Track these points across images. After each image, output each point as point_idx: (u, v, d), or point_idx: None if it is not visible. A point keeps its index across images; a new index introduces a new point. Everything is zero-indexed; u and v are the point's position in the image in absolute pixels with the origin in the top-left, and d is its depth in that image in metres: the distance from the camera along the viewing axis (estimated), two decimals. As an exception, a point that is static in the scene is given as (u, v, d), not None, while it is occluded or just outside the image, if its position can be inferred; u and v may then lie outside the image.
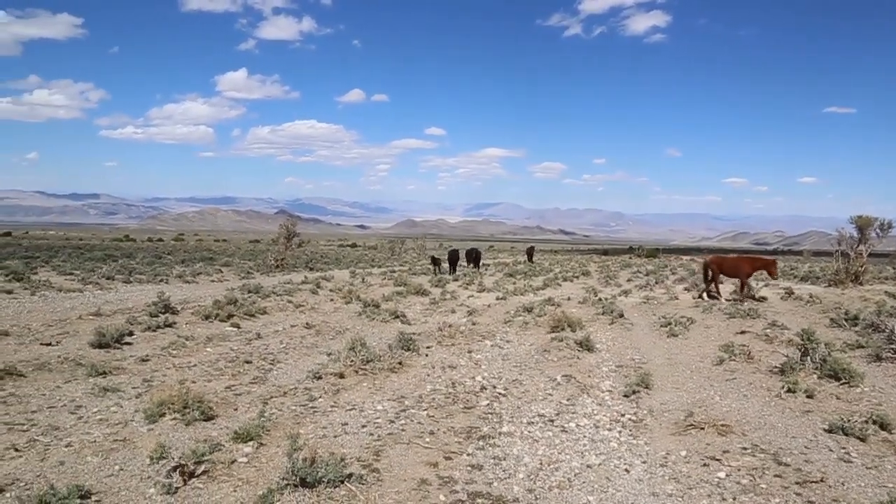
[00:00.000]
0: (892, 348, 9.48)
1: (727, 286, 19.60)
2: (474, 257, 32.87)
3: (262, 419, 6.32)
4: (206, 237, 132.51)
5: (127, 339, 10.36)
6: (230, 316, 13.12)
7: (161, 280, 22.42)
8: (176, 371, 8.71)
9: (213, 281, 23.56)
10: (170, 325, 11.81)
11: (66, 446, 5.63)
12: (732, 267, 17.97)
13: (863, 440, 6.15)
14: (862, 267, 23.37)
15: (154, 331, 11.28)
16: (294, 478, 4.78)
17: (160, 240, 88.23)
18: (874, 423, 6.43)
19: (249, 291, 17.33)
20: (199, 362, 9.28)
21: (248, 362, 9.36)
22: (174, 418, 6.36)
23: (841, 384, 8.09)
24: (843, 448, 6.03)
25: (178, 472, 4.87)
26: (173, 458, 4.98)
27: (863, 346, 10.27)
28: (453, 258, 31.07)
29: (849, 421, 6.51)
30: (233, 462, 5.30)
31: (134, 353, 9.62)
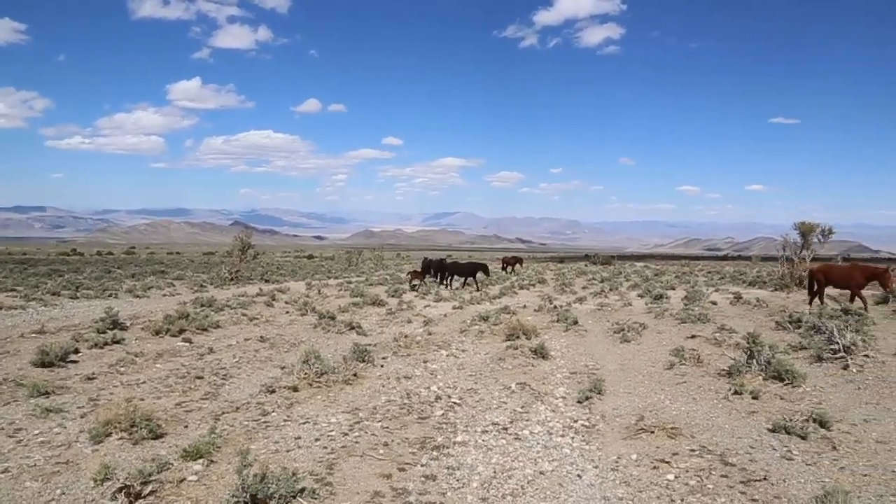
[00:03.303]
0: (832, 349, 9.84)
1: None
2: (439, 268, 28.71)
3: (213, 436, 6.19)
4: (158, 250, 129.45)
5: (72, 357, 10.06)
6: (182, 331, 12.84)
7: (110, 295, 21.80)
8: (124, 389, 8.48)
9: (164, 295, 23.01)
10: (118, 342, 11.48)
11: (3, 472, 5.42)
12: (843, 276, 16.21)
13: (803, 438, 6.38)
14: (805, 271, 24.23)
15: (101, 348, 10.97)
16: (244, 495, 4.70)
17: (110, 253, 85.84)
18: (814, 421, 6.67)
19: (202, 305, 17.01)
20: (148, 379, 9.05)
21: (199, 378, 9.17)
22: (121, 438, 6.20)
23: (784, 385, 8.37)
24: (786, 447, 6.23)
25: (123, 493, 4.75)
26: (118, 480, 4.84)
27: (805, 348, 10.62)
28: (454, 270, 27.35)
29: (791, 420, 6.74)
30: (182, 481, 5.19)
31: (79, 371, 9.33)
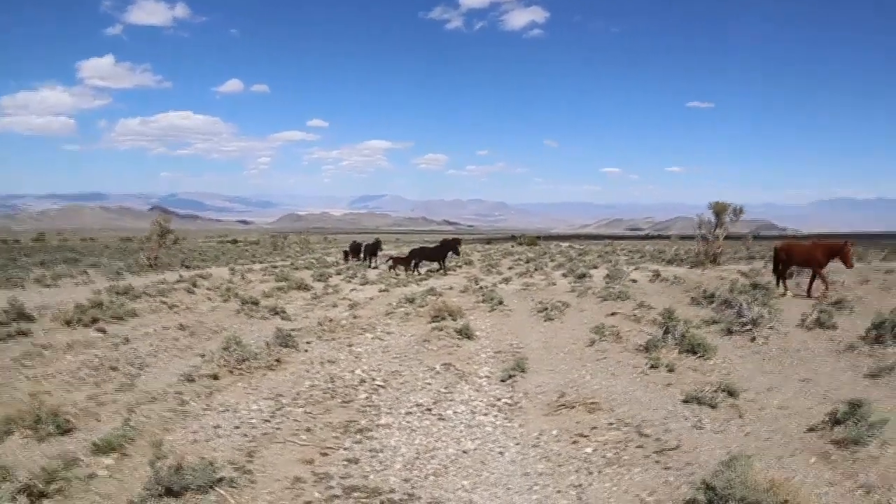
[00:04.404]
0: (741, 322, 10.38)
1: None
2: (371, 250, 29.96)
3: (127, 428, 5.94)
4: (70, 236, 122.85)
5: (-29, 351, 9.43)
6: (95, 320, 12.23)
7: (15, 285, 20.49)
8: (29, 383, 8.01)
9: (77, 284, 21.84)
10: (23, 334, 10.82)
11: None
12: (804, 254, 15.20)
13: (713, 407, 6.70)
14: (719, 249, 25.44)
15: (4, 341, 10.31)
16: (159, 487, 4.55)
17: (16, 241, 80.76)
18: (723, 391, 7.02)
19: (118, 293, 16.25)
20: (57, 372, 8.58)
21: (113, 369, 8.78)
22: (25, 435, 5.85)
23: (697, 357, 8.76)
24: (697, 416, 6.54)
25: (24, 494, 4.49)
26: (19, 480, 4.57)
27: (717, 322, 11.15)
28: (425, 256, 26.90)
29: (702, 391, 7.07)
30: (91, 477, 4.96)
31: (-22, 366, 8.76)
